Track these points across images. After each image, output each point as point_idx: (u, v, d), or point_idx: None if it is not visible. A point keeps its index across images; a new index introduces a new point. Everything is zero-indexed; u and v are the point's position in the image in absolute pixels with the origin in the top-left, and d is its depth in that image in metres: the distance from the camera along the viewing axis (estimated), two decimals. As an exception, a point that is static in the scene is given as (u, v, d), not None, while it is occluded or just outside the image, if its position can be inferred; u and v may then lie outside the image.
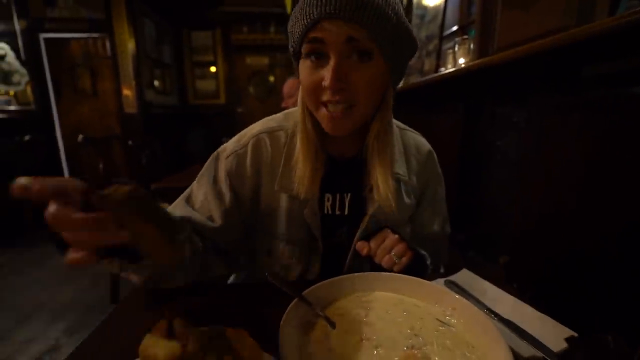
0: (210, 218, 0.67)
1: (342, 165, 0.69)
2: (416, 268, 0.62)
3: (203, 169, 0.72)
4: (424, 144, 0.79)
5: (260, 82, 5.41)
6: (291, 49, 0.59)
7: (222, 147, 0.72)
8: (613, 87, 0.80)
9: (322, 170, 0.65)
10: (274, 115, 0.74)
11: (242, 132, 0.72)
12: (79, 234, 0.35)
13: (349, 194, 0.69)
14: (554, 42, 0.75)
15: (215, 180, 0.69)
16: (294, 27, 0.56)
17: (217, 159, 0.71)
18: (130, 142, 2.48)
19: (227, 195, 0.68)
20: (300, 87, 0.60)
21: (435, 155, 0.79)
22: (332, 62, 0.53)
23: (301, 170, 0.63)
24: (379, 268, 0.62)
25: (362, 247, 0.65)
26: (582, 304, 0.85)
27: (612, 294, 0.78)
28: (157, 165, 2.84)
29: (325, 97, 0.56)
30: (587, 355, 0.32)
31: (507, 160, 1.35)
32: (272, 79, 5.39)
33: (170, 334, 0.36)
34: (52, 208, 0.34)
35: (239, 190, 0.69)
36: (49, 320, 2.01)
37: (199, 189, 0.70)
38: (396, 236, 0.64)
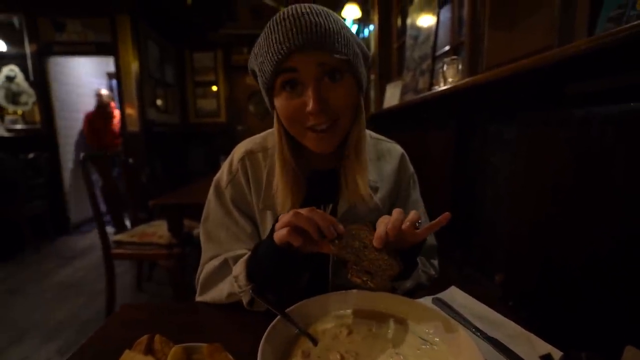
0: (243, 248, 0.69)
1: (321, 178, 0.70)
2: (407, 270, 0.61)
3: (209, 208, 0.74)
4: (397, 149, 0.81)
5: (260, 100, 5.52)
6: (265, 85, 0.60)
7: (217, 179, 0.74)
8: (595, 104, 0.82)
9: (303, 192, 0.66)
10: (254, 137, 0.77)
11: (229, 159, 0.75)
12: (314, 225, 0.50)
13: (330, 205, 0.71)
14: (534, 63, 0.78)
15: (227, 212, 0.71)
16: (264, 64, 0.58)
17: (219, 192, 0.73)
18: (130, 160, 2.51)
19: (242, 221, 0.71)
20: (281, 118, 0.62)
21: (407, 157, 0.81)
22: (310, 87, 0.56)
23: (282, 196, 0.64)
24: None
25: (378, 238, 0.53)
26: (576, 321, 0.84)
27: (605, 311, 0.77)
28: (157, 182, 2.86)
29: (310, 122, 0.59)
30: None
31: (500, 176, 1.37)
32: (272, 97, 5.51)
33: (149, 350, 0.36)
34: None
35: (247, 212, 0.72)
36: (42, 339, 1.98)
37: (216, 228, 0.72)
38: (398, 209, 0.55)
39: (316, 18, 0.55)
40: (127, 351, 0.34)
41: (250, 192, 0.71)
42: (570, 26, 0.97)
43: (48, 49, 3.96)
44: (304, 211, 0.51)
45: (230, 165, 0.73)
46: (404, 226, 0.51)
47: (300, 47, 0.54)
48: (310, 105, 0.56)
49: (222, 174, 0.74)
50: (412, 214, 0.53)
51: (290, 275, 0.59)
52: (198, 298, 0.70)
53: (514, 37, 1.23)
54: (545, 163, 0.95)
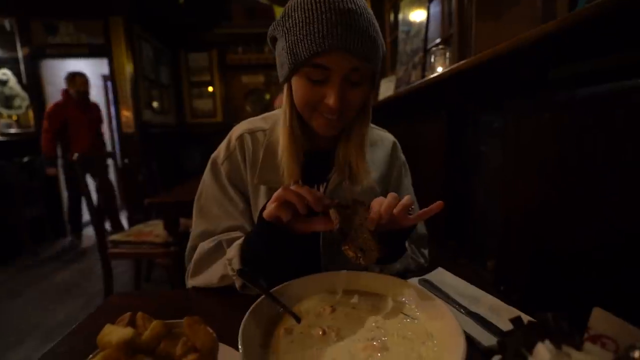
0: (233, 225, 0.71)
1: (317, 158, 0.72)
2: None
3: (204, 185, 0.76)
4: (389, 137, 0.84)
5: (256, 99, 5.52)
6: (290, 65, 0.59)
7: (213, 156, 0.77)
8: (578, 88, 0.83)
9: (303, 161, 0.68)
10: (253, 118, 0.79)
11: (228, 137, 0.77)
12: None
13: (325, 184, 0.72)
14: (518, 41, 0.80)
15: (221, 188, 0.74)
16: (297, 46, 0.57)
17: (215, 168, 0.75)
18: (125, 161, 2.51)
19: (236, 197, 0.73)
20: (294, 96, 0.64)
21: (398, 145, 0.84)
22: (336, 86, 0.58)
23: (287, 161, 0.66)
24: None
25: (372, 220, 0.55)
26: (563, 304, 0.85)
27: (592, 292, 0.78)
28: (153, 183, 2.86)
29: (324, 111, 0.62)
30: (526, 333, 0.33)
31: (491, 164, 1.38)
32: (268, 96, 5.51)
33: (130, 325, 0.37)
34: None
35: (241, 189, 0.74)
36: (42, 340, 1.98)
37: (209, 203, 0.74)
38: (393, 194, 0.56)
39: (361, 20, 0.56)
40: (108, 324, 0.35)
41: (245, 168, 0.73)
42: (552, 15, 0.99)
43: (41, 51, 3.94)
44: (292, 187, 0.53)
45: (228, 142, 0.76)
46: (395, 210, 0.53)
47: (341, 48, 0.55)
48: (331, 102, 0.58)
49: (219, 152, 0.76)
50: (406, 199, 0.55)
51: (281, 254, 0.60)
52: (190, 281, 0.71)
53: (500, 27, 1.25)
54: (534, 149, 0.96)
